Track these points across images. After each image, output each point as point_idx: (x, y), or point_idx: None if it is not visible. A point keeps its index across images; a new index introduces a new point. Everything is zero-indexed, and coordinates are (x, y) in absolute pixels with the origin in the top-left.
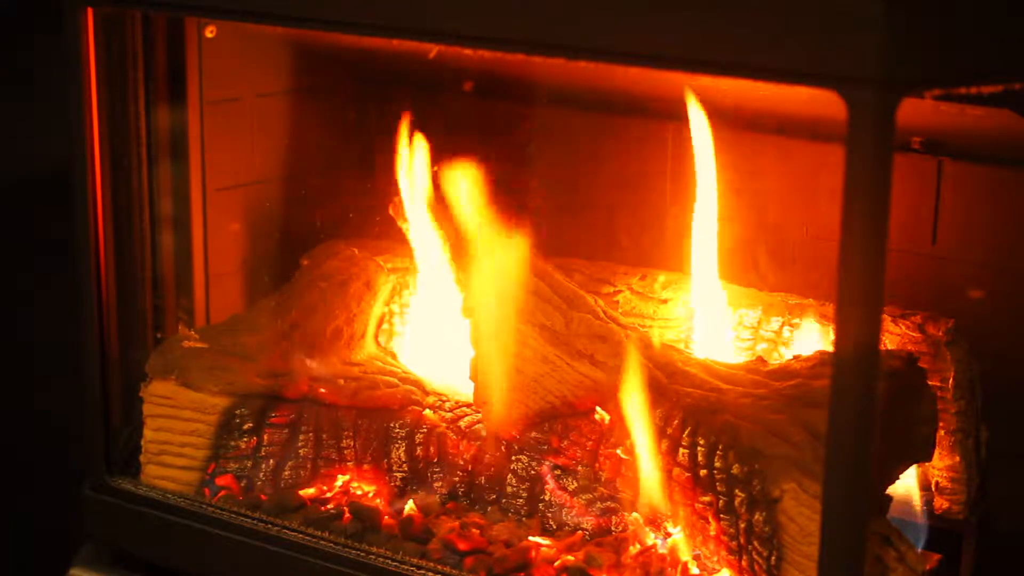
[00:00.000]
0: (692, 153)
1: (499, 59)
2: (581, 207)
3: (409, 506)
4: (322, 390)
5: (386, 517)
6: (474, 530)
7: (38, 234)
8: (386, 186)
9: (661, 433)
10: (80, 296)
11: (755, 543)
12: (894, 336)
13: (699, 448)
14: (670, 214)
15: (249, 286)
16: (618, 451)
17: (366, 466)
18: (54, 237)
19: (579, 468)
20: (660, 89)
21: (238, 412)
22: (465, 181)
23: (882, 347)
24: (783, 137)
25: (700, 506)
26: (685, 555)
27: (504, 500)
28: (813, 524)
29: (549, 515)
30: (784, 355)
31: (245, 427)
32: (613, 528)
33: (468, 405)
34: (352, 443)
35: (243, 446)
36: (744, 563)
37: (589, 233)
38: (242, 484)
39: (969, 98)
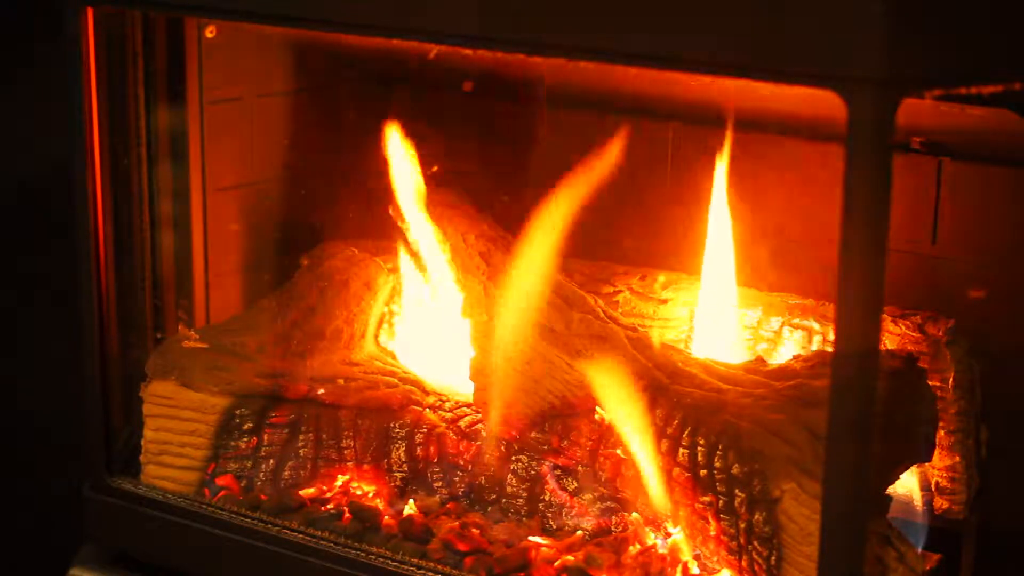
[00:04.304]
0: (698, 154)
1: (499, 59)
2: (581, 207)
3: (409, 506)
4: (322, 390)
5: (386, 517)
6: (474, 530)
7: (38, 234)
8: (386, 186)
9: (661, 433)
10: (80, 296)
11: (755, 543)
12: (894, 336)
13: (699, 448)
14: (670, 214)
15: (249, 286)
16: (618, 451)
17: (366, 466)
18: (54, 237)
19: (579, 468)
20: (660, 89)
21: (238, 412)
22: (464, 182)
23: (882, 347)
24: (783, 137)
25: (700, 506)
26: (685, 555)
27: (504, 500)
28: (813, 524)
29: (549, 515)
30: (784, 355)
31: (245, 427)
32: (613, 528)
33: (468, 405)
34: (352, 443)
35: (243, 446)
36: (744, 563)
37: (589, 233)
38: (242, 484)
39: (969, 98)
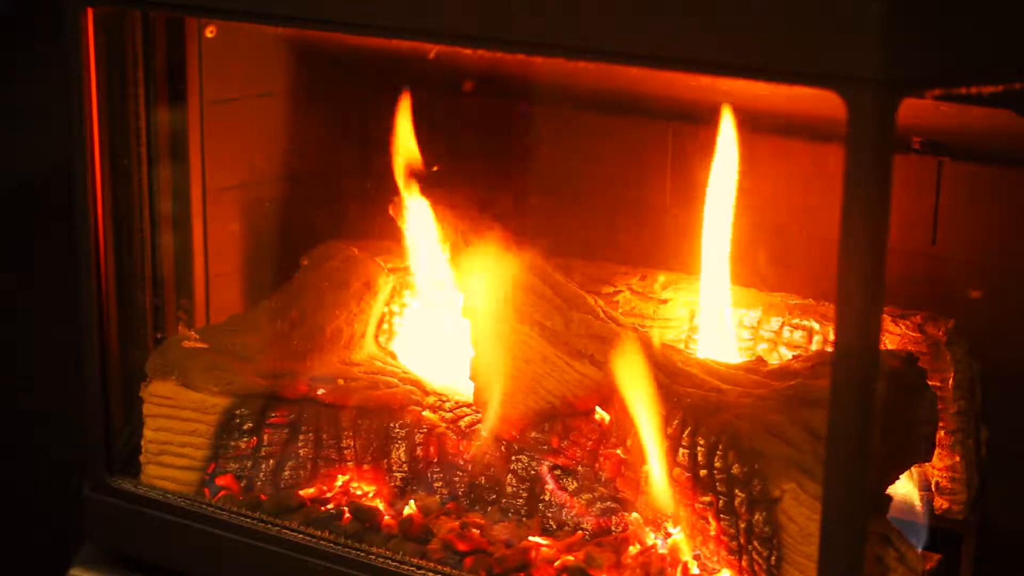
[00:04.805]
0: (698, 155)
1: (499, 59)
2: (581, 207)
3: (409, 506)
4: (322, 390)
5: (386, 517)
6: (474, 530)
7: (38, 234)
8: (386, 186)
9: (661, 433)
10: (80, 296)
11: (755, 543)
12: (894, 336)
13: (699, 448)
14: (670, 214)
15: (249, 286)
16: (618, 451)
17: (366, 466)
18: (54, 237)
19: (579, 468)
20: (660, 89)
21: (238, 412)
22: (464, 182)
23: (882, 347)
24: (783, 137)
25: (700, 506)
26: (685, 555)
27: (504, 500)
28: (813, 524)
29: (549, 515)
30: (784, 355)
31: (245, 427)
32: (613, 528)
33: (468, 405)
34: (352, 443)
35: (243, 446)
36: (744, 563)
37: (589, 233)
38: (242, 484)
39: (969, 98)
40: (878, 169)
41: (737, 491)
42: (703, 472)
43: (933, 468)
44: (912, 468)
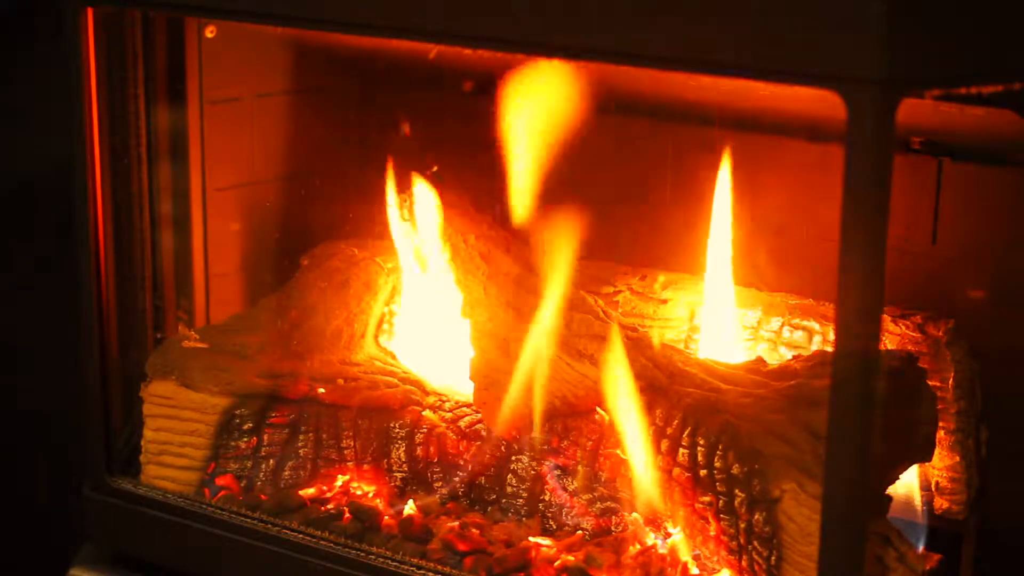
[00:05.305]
0: (698, 154)
1: (499, 59)
2: (581, 207)
3: (409, 506)
4: (322, 390)
5: (386, 517)
6: (474, 530)
7: (38, 234)
8: (386, 186)
9: (661, 433)
10: (80, 296)
11: (755, 543)
12: (894, 336)
13: (699, 448)
14: (670, 214)
15: (249, 286)
16: (618, 451)
17: (366, 466)
18: (54, 237)
19: (579, 468)
20: (660, 89)
21: (238, 412)
22: (464, 182)
23: (882, 347)
24: (783, 137)
25: (700, 506)
26: (685, 555)
27: (504, 500)
28: (813, 524)
29: (549, 515)
30: (784, 355)
31: (245, 427)
32: (613, 528)
33: (468, 405)
34: (352, 443)
35: (243, 446)
36: (744, 563)
37: (589, 233)
38: (242, 484)
39: (969, 98)
40: (878, 169)
41: (737, 491)
42: (703, 472)
43: (933, 468)
44: (912, 468)
